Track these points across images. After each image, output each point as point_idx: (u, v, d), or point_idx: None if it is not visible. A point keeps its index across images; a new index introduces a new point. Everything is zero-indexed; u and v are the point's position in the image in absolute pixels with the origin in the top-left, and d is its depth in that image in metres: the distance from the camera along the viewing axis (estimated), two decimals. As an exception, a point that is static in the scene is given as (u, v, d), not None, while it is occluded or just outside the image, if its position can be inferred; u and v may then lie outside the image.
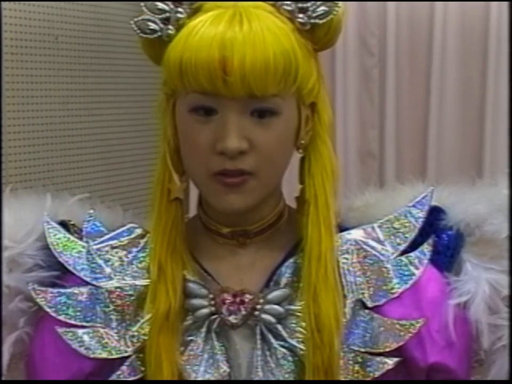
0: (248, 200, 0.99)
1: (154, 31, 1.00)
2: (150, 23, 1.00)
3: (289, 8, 0.98)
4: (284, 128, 0.99)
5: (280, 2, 0.99)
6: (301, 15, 0.98)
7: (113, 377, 1.03)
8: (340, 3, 0.99)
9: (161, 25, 0.99)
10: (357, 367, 1.02)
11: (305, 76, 0.99)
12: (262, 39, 0.94)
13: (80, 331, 1.04)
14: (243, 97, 0.95)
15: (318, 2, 0.98)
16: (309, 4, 0.98)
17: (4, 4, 2.02)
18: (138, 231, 1.09)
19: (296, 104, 1.01)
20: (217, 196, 1.00)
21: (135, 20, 1.00)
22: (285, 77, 0.95)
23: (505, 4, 2.59)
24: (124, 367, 1.03)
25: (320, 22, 0.99)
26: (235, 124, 0.96)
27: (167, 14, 0.99)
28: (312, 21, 0.99)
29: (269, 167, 0.99)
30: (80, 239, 1.09)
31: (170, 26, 0.99)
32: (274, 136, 0.98)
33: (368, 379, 1.02)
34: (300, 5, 0.98)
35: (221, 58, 0.93)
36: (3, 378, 1.06)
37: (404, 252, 1.06)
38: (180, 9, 0.99)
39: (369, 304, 1.03)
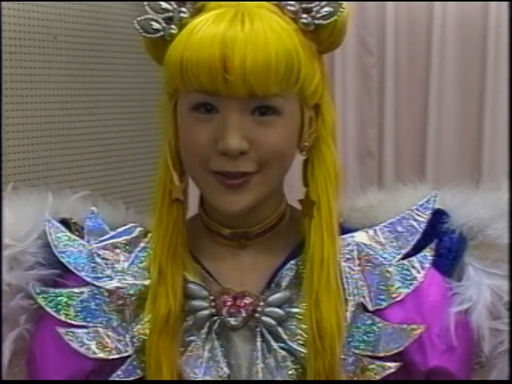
0: (249, 200, 0.98)
1: (157, 30, 0.99)
2: (153, 23, 0.99)
3: (293, 8, 0.97)
4: (286, 128, 0.98)
5: (284, 3, 0.98)
6: (304, 16, 0.97)
7: (113, 377, 1.03)
8: (345, 4, 0.98)
9: (164, 25, 0.99)
10: (357, 371, 1.01)
11: (307, 77, 0.97)
12: (264, 38, 0.92)
13: (80, 331, 1.04)
14: (244, 96, 0.94)
15: (322, 3, 0.97)
16: (313, 5, 0.97)
17: (2, 4, 2.01)
18: (139, 230, 1.09)
19: (299, 105, 0.99)
20: (216, 194, 0.98)
21: (138, 19, 0.99)
22: (286, 76, 0.94)
23: (504, 3, 2.60)
24: (123, 367, 1.03)
25: (324, 22, 0.97)
26: (236, 123, 0.95)
27: (170, 14, 0.98)
28: (316, 21, 0.97)
29: (271, 165, 0.98)
30: (82, 237, 1.09)
31: (173, 26, 0.98)
32: (275, 134, 0.97)
33: None
34: (304, 5, 0.97)
35: (222, 57, 0.92)
36: (3, 377, 1.06)
37: (406, 256, 1.05)
38: (183, 9, 0.98)
39: (371, 307, 1.02)
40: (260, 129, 0.96)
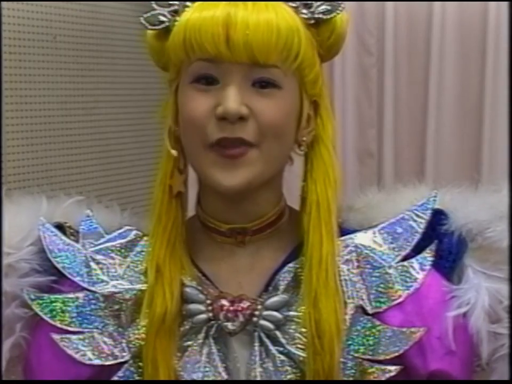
0: (246, 175, 0.98)
1: (162, 22, 1.02)
2: (159, 16, 1.02)
3: (293, 4, 1.00)
4: (285, 102, 0.99)
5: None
6: (305, 11, 1.01)
7: None
8: (343, 4, 1.02)
9: (169, 17, 1.01)
10: (357, 374, 1.01)
11: (307, 60, 0.99)
12: (266, 11, 0.96)
13: (75, 337, 1.03)
14: (245, 64, 0.96)
15: (322, 1, 1.01)
16: (313, 1, 1.01)
17: (2, 4, 2.01)
18: (134, 234, 1.09)
19: (299, 90, 1.01)
20: (213, 169, 0.98)
21: (145, 15, 1.02)
22: (287, 47, 0.96)
23: (504, 3, 2.59)
24: (120, 373, 1.03)
25: (324, 17, 1.01)
26: (236, 89, 0.96)
27: (176, 7, 1.01)
28: (316, 15, 1.00)
29: (269, 139, 0.98)
30: (77, 241, 1.08)
31: (177, 18, 1.01)
32: (275, 106, 0.98)
33: None
34: (304, 1, 1.00)
35: (224, 24, 0.94)
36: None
37: (405, 257, 1.05)
38: (188, 3, 1.01)
39: (370, 310, 1.02)
40: (260, 100, 0.97)
